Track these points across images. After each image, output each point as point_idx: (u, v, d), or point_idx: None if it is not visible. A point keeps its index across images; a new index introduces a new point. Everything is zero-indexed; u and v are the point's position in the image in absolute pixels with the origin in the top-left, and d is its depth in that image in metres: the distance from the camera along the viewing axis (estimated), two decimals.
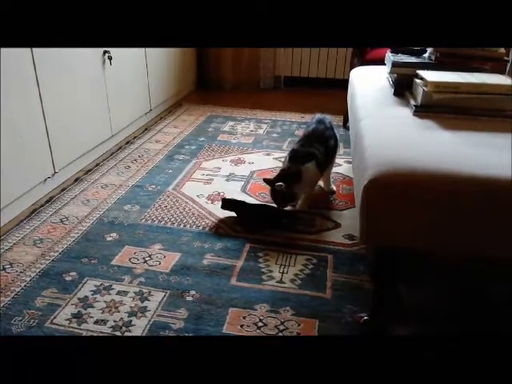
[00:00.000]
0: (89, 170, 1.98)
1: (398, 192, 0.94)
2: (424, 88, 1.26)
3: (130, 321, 1.14)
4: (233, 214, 1.62)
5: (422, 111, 1.26)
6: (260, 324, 1.15)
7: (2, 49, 1.42)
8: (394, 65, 1.47)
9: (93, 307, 1.19)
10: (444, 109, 1.24)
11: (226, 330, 1.12)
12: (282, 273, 1.34)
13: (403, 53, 1.56)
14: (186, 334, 1.10)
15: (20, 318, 1.14)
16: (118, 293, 1.24)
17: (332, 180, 1.86)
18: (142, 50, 2.40)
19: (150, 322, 1.14)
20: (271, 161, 2.14)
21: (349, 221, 1.61)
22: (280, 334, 1.11)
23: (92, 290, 1.25)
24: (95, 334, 1.10)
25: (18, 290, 1.24)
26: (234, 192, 1.82)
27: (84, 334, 1.10)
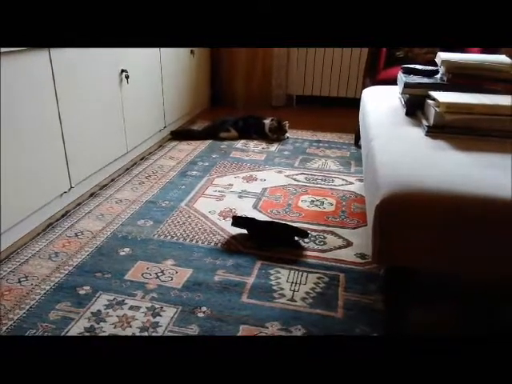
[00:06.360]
0: (104, 185, 2.02)
1: (411, 212, 0.95)
2: (436, 109, 1.27)
3: None
4: (244, 230, 1.63)
5: (434, 132, 1.27)
6: None
7: (25, 66, 1.48)
8: (406, 85, 1.49)
9: (105, 322, 1.20)
10: (456, 130, 1.25)
11: None
12: (293, 291, 1.34)
13: (415, 74, 1.58)
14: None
15: (34, 331, 1.16)
16: (131, 308, 1.25)
17: (344, 197, 1.86)
18: (157, 68, 2.47)
19: None
20: (283, 178, 2.15)
21: (361, 239, 1.61)
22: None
23: (105, 305, 1.26)
24: None
25: (32, 302, 1.26)
26: (246, 209, 1.83)
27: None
